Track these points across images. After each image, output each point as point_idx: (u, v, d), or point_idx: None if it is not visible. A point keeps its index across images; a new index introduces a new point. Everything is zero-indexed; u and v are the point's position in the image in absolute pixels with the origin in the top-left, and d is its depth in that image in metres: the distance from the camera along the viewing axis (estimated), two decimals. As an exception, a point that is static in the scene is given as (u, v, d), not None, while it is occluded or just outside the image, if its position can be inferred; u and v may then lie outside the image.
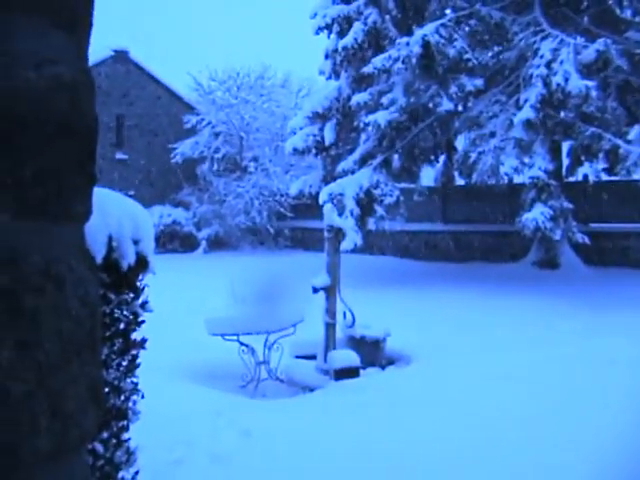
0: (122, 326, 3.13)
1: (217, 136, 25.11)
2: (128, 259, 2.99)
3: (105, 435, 3.01)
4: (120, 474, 3.13)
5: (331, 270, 7.61)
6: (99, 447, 2.95)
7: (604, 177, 14.60)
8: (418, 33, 13.55)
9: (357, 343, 7.85)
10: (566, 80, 11.94)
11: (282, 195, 23.69)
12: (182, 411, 5.67)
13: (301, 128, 17.07)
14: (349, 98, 15.84)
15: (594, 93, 11.95)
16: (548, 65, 12.38)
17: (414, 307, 11.34)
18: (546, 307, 10.93)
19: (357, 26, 15.39)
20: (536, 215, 12.74)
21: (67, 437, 1.17)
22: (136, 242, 3.05)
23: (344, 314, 7.86)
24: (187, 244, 24.39)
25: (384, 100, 14.63)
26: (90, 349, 1.25)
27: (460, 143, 15.68)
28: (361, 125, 15.04)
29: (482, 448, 4.78)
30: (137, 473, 3.26)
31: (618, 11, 13.50)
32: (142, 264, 3.14)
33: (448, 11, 14.75)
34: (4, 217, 1.09)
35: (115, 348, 3.10)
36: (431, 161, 16.58)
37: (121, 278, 3.03)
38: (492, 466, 4.49)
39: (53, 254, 1.16)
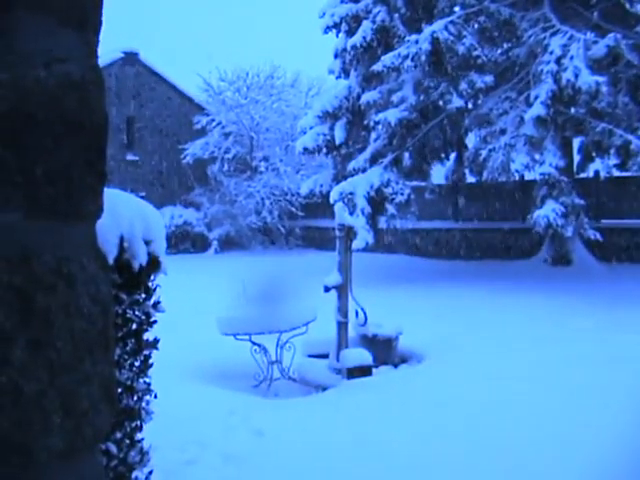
0: (134, 326, 3.13)
1: (227, 136, 25.14)
2: (140, 259, 2.97)
3: (118, 435, 3.00)
4: (134, 474, 3.13)
5: (342, 269, 7.57)
6: (113, 447, 2.95)
7: (615, 173, 14.51)
8: (427, 30, 13.52)
9: (369, 342, 7.80)
10: (576, 76, 11.88)
11: (293, 194, 23.71)
12: (194, 411, 5.66)
13: (311, 127, 17.07)
14: (359, 97, 15.84)
15: (605, 89, 11.88)
16: (558, 61, 12.33)
17: (426, 305, 11.30)
18: (558, 305, 10.86)
19: (366, 25, 15.37)
20: (547, 212, 12.69)
21: (80, 436, 1.16)
22: (147, 242, 3.03)
23: (356, 313, 7.81)
24: (198, 244, 24.45)
25: (394, 98, 14.63)
26: (103, 347, 1.25)
27: (470, 141, 15.63)
28: (371, 124, 15.00)
29: (496, 447, 4.76)
30: (151, 473, 3.26)
31: (628, 6, 13.39)
32: (154, 264, 3.12)
33: (457, 8, 14.71)
34: (16, 216, 1.09)
35: (128, 348, 3.10)
36: (442, 159, 16.52)
37: (133, 278, 3.02)
38: (506, 465, 4.47)
39: (64, 253, 1.16)
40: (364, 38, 15.32)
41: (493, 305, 11.14)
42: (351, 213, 12.70)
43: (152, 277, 3.19)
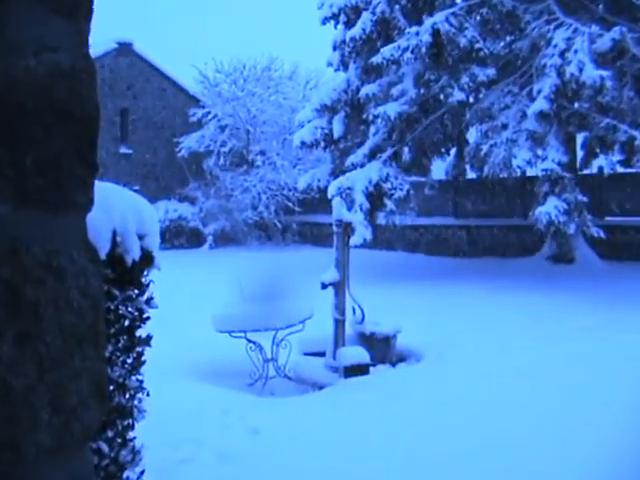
0: (127, 323, 3.16)
1: (223, 129, 24.95)
2: (133, 254, 3.01)
3: (110, 434, 3.03)
4: (125, 474, 3.15)
5: (340, 265, 7.56)
6: (104, 446, 2.96)
7: (620, 169, 14.33)
8: (428, 22, 13.38)
9: (367, 340, 7.80)
10: (580, 70, 11.74)
11: (290, 189, 23.54)
12: (188, 409, 5.65)
13: (309, 121, 16.87)
14: (358, 90, 15.64)
15: (609, 83, 11.76)
16: (562, 55, 12.20)
17: (425, 303, 11.29)
18: (560, 303, 10.84)
19: (365, 16, 15.13)
20: (550, 209, 12.57)
21: (69, 432, 1.17)
22: (141, 237, 3.07)
23: (353, 310, 7.81)
24: (193, 239, 24.29)
25: (394, 91, 14.47)
26: (93, 342, 1.25)
27: (472, 135, 15.51)
28: (370, 117, 14.82)
29: (495, 446, 4.75)
30: (143, 473, 3.27)
31: (634, -2, 13.18)
32: (147, 259, 3.15)
33: (459, 0, 14.47)
34: (5, 208, 1.09)
35: (120, 345, 3.12)
36: (442, 154, 16.40)
37: (126, 274, 3.05)
38: (506, 464, 4.46)
39: (54, 245, 1.17)
40: (363, 30, 15.09)
41: (493, 303, 11.14)
42: (349, 209, 12.50)
43: (145, 272, 3.22)
